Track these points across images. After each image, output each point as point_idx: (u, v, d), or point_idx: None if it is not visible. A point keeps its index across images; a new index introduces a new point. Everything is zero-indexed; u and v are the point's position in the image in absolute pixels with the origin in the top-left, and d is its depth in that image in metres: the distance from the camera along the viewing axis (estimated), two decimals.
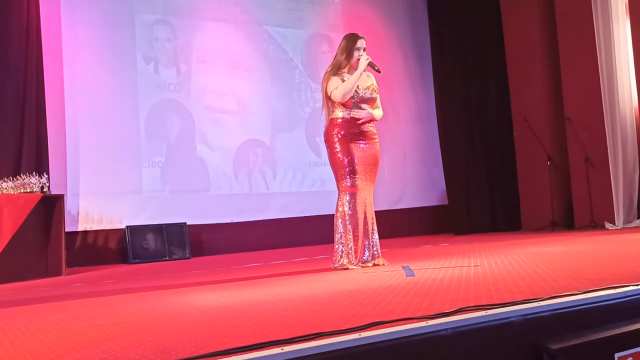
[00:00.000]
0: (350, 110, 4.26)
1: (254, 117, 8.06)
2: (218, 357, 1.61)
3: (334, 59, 4.39)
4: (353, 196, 4.23)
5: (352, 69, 4.31)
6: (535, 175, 8.13)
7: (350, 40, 4.35)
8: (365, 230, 4.26)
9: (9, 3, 6.44)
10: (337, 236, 4.21)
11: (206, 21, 7.90)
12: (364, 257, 4.25)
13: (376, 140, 4.36)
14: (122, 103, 7.28)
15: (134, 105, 7.34)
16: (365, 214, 4.26)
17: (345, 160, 4.23)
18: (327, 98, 4.31)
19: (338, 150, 4.25)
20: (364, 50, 4.32)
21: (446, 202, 9.05)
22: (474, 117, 8.93)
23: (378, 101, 4.41)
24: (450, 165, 8.90)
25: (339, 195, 4.27)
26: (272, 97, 8.21)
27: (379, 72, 4.28)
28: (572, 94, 7.74)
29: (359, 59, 4.27)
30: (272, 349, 1.64)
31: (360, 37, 4.36)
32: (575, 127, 7.70)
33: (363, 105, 4.29)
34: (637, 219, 7.15)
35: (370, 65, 4.25)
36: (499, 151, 8.78)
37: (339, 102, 4.25)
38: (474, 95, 8.95)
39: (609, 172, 7.17)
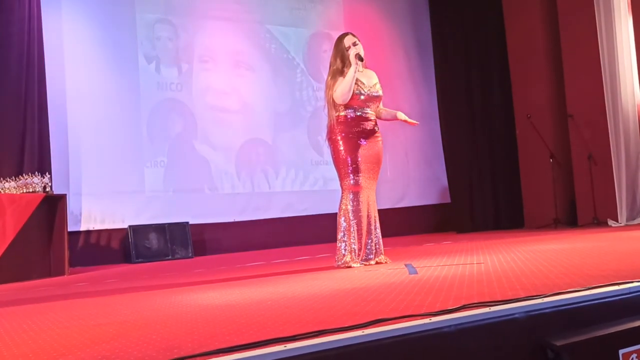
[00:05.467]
0: (356, 110, 4.24)
1: (256, 116, 8.06)
2: (221, 354, 1.61)
3: (332, 67, 4.31)
4: (356, 195, 4.22)
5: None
6: (538, 172, 8.12)
7: (339, 43, 4.31)
8: (368, 228, 4.25)
9: (10, 3, 6.44)
10: (340, 234, 4.21)
11: (208, 20, 7.90)
12: (366, 255, 4.24)
13: (379, 139, 4.35)
14: (124, 103, 7.29)
15: (135, 104, 7.34)
16: (368, 212, 4.25)
17: (349, 158, 4.22)
18: (330, 103, 4.29)
19: (341, 148, 4.24)
20: (354, 44, 4.26)
21: (449, 200, 9.04)
22: (477, 116, 8.92)
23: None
24: (452, 164, 8.89)
25: (342, 193, 4.26)
26: (274, 96, 8.21)
27: (362, 59, 4.20)
28: (574, 91, 7.73)
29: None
30: (275, 346, 1.63)
31: (347, 35, 4.33)
32: (577, 124, 7.69)
33: (369, 104, 4.29)
34: None
35: (357, 57, 4.20)
36: (502, 149, 8.77)
37: (347, 103, 4.21)
38: (476, 93, 8.94)
39: (612, 169, 7.17)
